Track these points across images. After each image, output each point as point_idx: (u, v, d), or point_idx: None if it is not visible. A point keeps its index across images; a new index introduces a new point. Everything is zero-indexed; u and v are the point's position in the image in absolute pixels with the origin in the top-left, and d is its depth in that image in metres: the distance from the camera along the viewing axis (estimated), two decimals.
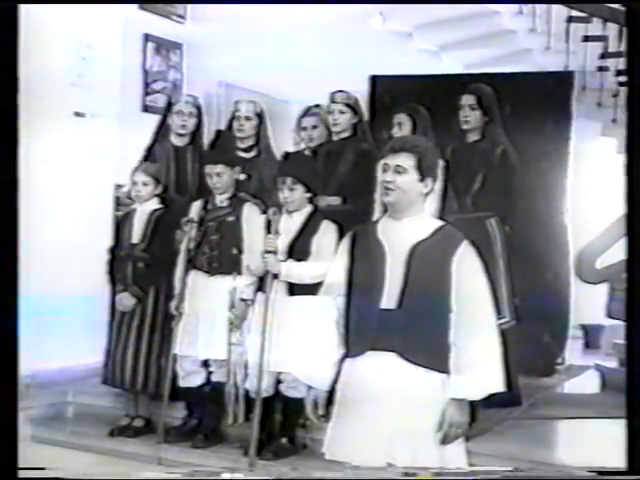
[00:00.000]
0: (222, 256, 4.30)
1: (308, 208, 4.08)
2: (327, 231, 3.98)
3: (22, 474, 3.22)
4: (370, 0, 6.46)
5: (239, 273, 4.22)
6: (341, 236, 3.00)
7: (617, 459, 3.21)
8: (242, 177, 4.49)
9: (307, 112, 4.81)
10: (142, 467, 4.25)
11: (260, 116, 4.81)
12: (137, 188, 4.51)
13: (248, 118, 4.78)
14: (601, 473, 3.36)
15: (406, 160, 2.73)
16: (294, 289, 4.00)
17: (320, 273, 3.17)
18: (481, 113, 4.47)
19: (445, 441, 2.68)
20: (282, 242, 3.99)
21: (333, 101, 4.65)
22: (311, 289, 3.60)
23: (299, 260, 3.99)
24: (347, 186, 4.52)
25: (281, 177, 4.04)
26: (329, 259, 3.12)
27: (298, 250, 4.01)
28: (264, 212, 4.23)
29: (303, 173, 4.06)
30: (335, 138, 4.68)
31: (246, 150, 4.78)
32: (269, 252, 3.94)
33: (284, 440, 4.16)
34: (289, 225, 4.03)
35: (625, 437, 3.14)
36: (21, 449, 3.50)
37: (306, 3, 5.36)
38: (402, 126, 4.61)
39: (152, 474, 3.75)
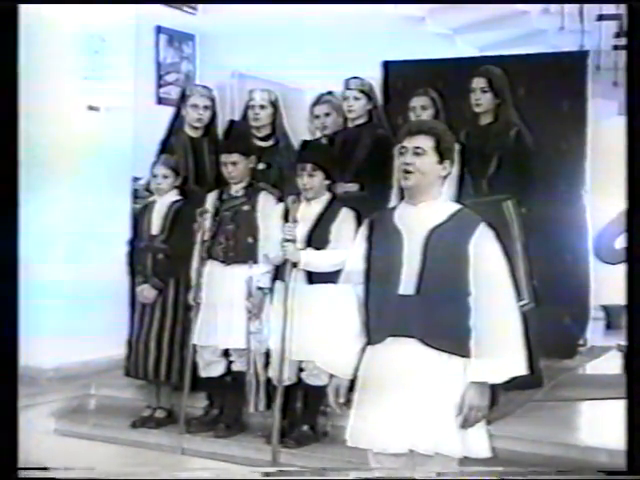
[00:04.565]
0: (238, 245, 4.30)
1: (326, 196, 4.07)
2: (346, 219, 3.97)
3: (22, 474, 3.22)
4: None
5: (255, 262, 4.23)
6: (360, 223, 2.98)
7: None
8: (261, 166, 4.49)
9: (319, 100, 4.78)
10: (165, 457, 4.28)
11: (275, 104, 4.81)
12: (157, 181, 4.51)
13: (263, 107, 4.77)
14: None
15: (425, 141, 2.70)
16: (313, 277, 4.00)
17: (339, 261, 3.16)
18: (492, 95, 4.43)
19: (465, 425, 2.67)
20: (301, 230, 3.98)
21: (348, 87, 4.62)
22: (330, 277, 3.59)
23: (318, 248, 3.99)
24: (364, 172, 4.50)
25: (301, 164, 4.04)
26: (348, 247, 3.10)
27: (317, 238, 4.00)
28: (280, 200, 4.23)
29: (322, 160, 4.05)
30: (350, 125, 4.66)
31: (263, 139, 4.78)
32: (288, 240, 3.93)
33: (305, 428, 4.17)
34: (307, 213, 4.02)
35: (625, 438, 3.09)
36: (44, 442, 3.50)
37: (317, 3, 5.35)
38: (424, 109, 4.57)
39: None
